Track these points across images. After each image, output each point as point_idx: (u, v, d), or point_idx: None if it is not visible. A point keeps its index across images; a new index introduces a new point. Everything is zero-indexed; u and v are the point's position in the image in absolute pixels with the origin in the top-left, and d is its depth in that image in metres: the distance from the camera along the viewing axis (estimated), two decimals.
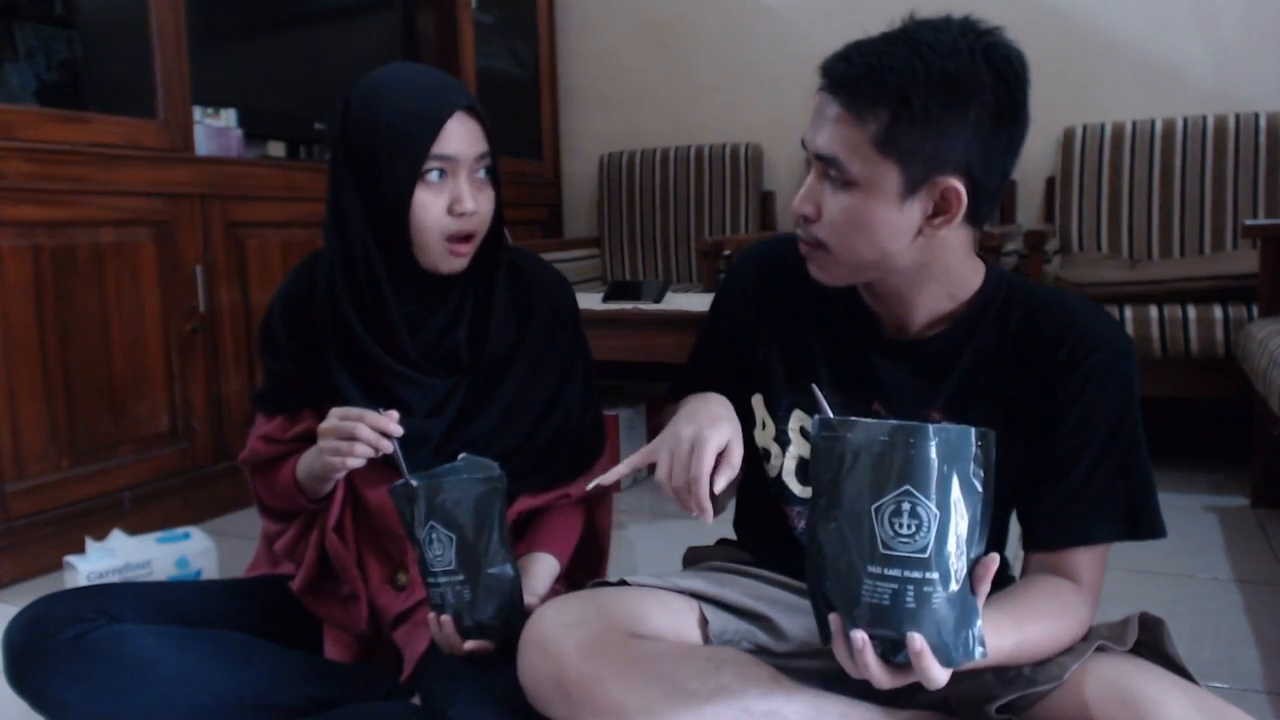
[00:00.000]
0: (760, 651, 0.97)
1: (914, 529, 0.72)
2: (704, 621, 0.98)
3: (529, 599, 1.08)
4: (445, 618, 1.02)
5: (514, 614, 1.03)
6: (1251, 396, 2.10)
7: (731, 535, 1.21)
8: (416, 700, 1.09)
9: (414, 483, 1.01)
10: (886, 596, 0.72)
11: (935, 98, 0.85)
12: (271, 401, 1.23)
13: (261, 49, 2.71)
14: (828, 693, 0.89)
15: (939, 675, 0.73)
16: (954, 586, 0.73)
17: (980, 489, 0.74)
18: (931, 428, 0.72)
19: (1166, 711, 0.78)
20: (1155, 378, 2.31)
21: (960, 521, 0.73)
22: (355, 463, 1.06)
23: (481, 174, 1.12)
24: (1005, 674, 0.88)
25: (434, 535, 1.01)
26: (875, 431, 0.73)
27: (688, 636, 0.97)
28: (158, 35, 2.14)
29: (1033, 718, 0.88)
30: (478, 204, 1.10)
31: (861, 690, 0.86)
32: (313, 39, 2.87)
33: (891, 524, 0.72)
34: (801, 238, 0.97)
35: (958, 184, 0.88)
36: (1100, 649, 0.89)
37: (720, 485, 0.89)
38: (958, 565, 0.73)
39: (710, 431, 0.90)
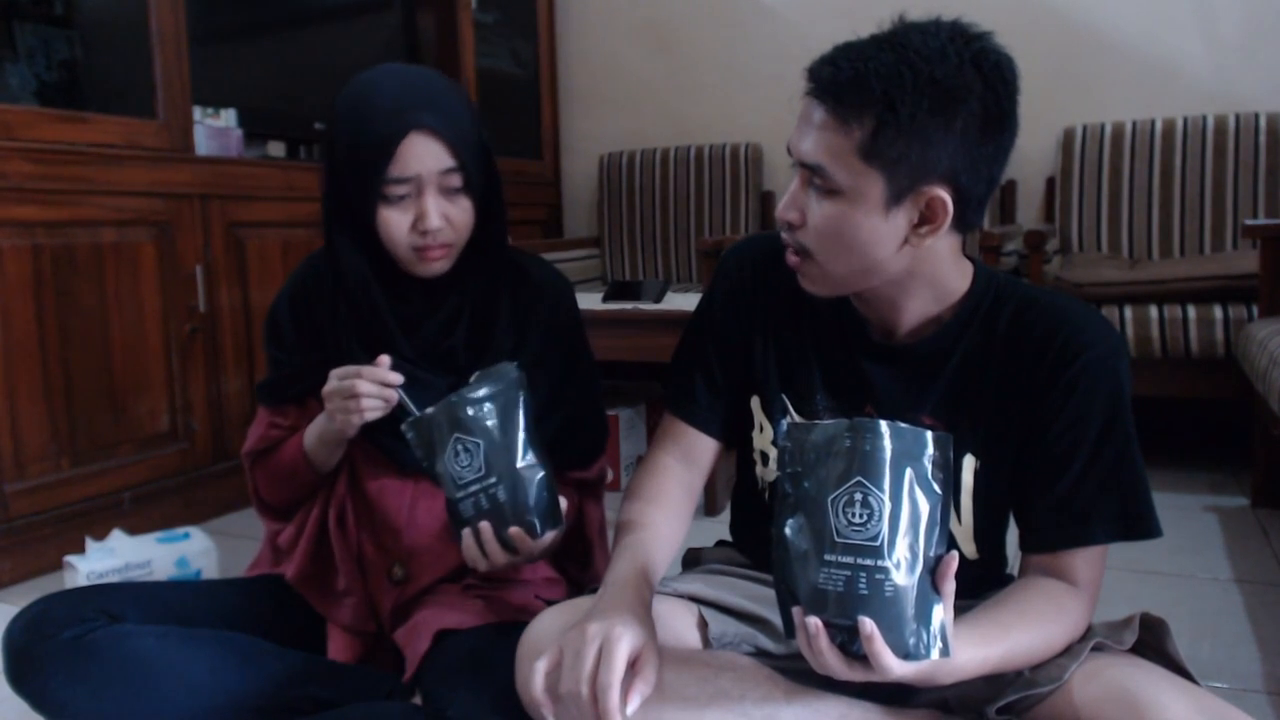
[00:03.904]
0: (760, 654, 0.97)
1: (865, 518, 0.75)
2: (703, 624, 0.98)
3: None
4: (483, 524, 1.01)
5: (553, 507, 1.03)
6: (1251, 396, 2.11)
7: (729, 538, 1.20)
8: (418, 700, 1.09)
9: (430, 410, 1.01)
10: (841, 583, 0.75)
11: (922, 105, 0.82)
12: (275, 392, 1.25)
13: (261, 49, 2.71)
14: (827, 694, 0.89)
15: (892, 664, 0.73)
16: (908, 578, 0.74)
17: (938, 490, 0.77)
18: (884, 423, 0.75)
19: (1167, 713, 0.78)
20: (1155, 378, 2.32)
21: (914, 516, 0.75)
22: (363, 419, 1.07)
23: (455, 185, 1.10)
24: (1002, 676, 0.87)
25: (459, 447, 1.00)
26: (833, 430, 0.77)
27: (687, 640, 0.96)
28: (157, 35, 2.14)
29: (1033, 718, 0.88)
30: (446, 218, 1.09)
31: (861, 692, 0.86)
32: (313, 39, 2.87)
33: (845, 514, 0.75)
34: (787, 243, 0.95)
35: (943, 194, 0.86)
36: (1098, 647, 0.89)
37: (634, 705, 0.79)
38: (911, 558, 0.75)
39: (621, 630, 0.81)
